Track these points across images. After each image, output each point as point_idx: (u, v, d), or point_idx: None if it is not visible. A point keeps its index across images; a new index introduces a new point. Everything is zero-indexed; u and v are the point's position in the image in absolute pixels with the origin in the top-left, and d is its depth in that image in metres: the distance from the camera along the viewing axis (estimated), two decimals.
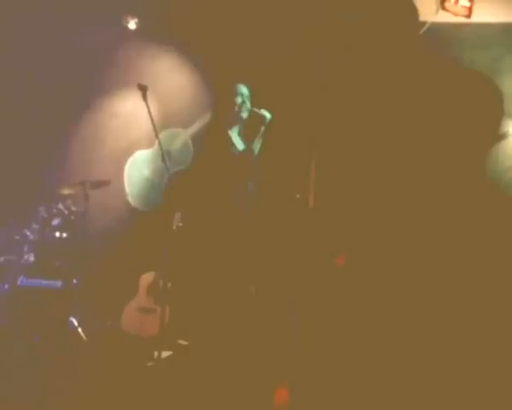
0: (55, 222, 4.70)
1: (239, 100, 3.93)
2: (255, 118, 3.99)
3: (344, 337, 3.86)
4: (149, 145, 5.31)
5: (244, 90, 3.97)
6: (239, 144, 3.94)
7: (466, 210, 4.17)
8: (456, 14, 4.35)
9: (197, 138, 5.19)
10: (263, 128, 3.97)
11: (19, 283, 4.55)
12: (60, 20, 5.10)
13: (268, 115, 3.94)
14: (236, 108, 3.92)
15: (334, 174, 4.45)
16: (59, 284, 4.61)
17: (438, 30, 4.35)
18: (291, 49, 4.67)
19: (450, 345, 3.79)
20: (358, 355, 3.72)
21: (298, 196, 4.33)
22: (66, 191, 4.71)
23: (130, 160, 5.36)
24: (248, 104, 3.95)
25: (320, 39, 4.61)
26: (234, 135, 3.96)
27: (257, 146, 3.99)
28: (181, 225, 3.90)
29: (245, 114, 3.95)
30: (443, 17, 4.37)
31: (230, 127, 3.95)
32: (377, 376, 3.54)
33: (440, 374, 3.58)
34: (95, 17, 5.11)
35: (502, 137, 4.29)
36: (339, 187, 4.42)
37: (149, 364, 3.88)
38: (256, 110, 3.95)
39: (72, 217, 4.72)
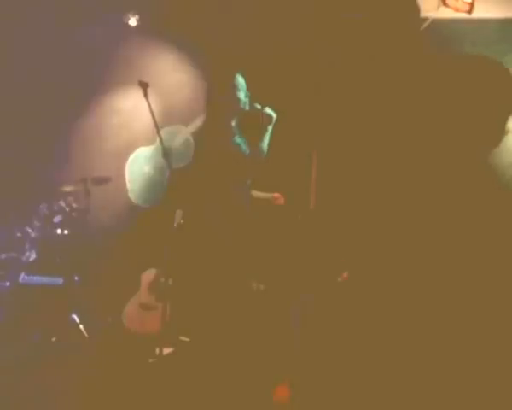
0: (57, 219, 4.70)
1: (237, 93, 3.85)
2: (258, 116, 3.88)
3: (345, 335, 3.86)
4: (151, 142, 5.30)
5: (241, 81, 3.90)
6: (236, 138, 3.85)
7: (470, 208, 4.15)
8: (457, 10, 4.33)
9: (198, 135, 5.18)
10: (270, 128, 3.82)
11: (20, 280, 4.56)
12: (60, 18, 5.09)
13: (274, 115, 3.80)
14: (238, 102, 3.86)
15: (336, 174, 4.43)
16: (60, 281, 4.62)
17: (439, 26, 4.33)
18: (292, 46, 4.67)
19: (452, 343, 3.79)
20: (359, 353, 3.72)
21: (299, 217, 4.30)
22: (67, 188, 4.72)
23: (132, 156, 5.35)
24: (243, 95, 3.87)
25: (321, 35, 4.60)
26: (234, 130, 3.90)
27: (264, 145, 3.82)
28: (182, 222, 3.90)
29: (244, 107, 3.87)
30: (444, 13, 4.35)
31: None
32: (377, 373, 3.55)
33: (440, 368, 3.58)
34: (95, 14, 5.11)
35: (505, 132, 4.28)
36: (340, 188, 4.41)
37: (151, 360, 3.89)
38: (261, 109, 3.83)
39: (74, 214, 4.72)
